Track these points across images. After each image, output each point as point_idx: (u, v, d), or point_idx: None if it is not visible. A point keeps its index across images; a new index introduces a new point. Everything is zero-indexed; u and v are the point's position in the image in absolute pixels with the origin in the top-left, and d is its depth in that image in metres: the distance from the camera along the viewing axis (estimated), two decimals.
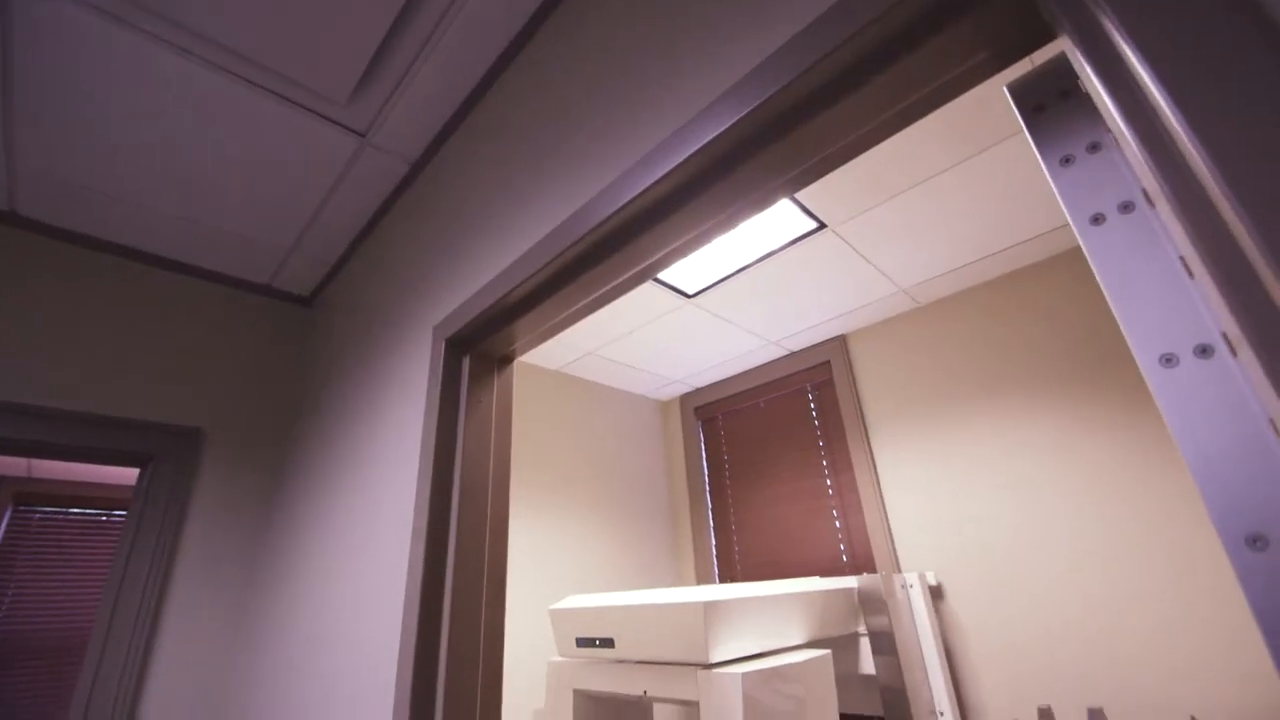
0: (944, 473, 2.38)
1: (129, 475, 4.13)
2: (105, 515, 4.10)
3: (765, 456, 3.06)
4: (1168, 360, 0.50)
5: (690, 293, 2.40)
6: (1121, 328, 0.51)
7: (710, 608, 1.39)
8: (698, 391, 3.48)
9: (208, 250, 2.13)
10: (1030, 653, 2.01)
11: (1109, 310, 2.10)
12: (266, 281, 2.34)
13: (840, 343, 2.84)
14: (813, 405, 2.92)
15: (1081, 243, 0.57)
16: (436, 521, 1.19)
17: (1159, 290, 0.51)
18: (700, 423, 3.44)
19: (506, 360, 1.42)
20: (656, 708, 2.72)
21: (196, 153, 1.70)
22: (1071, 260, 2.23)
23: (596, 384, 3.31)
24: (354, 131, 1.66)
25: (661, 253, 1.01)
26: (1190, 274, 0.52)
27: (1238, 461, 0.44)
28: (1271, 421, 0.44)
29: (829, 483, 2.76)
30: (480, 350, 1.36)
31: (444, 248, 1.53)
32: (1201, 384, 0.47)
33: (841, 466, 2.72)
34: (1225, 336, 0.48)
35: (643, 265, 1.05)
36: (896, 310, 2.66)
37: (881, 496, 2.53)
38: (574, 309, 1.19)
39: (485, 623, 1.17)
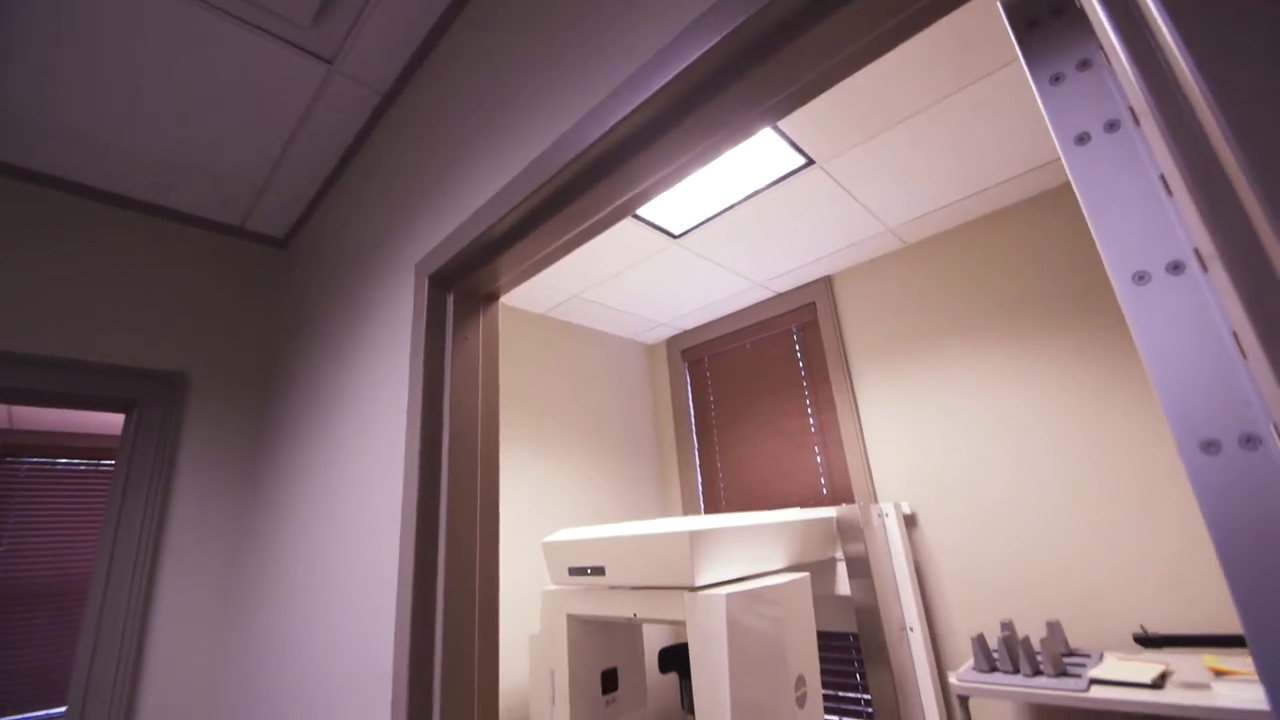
0: (922, 408, 2.45)
1: (115, 425, 4.11)
2: (94, 465, 4.11)
3: (750, 396, 3.11)
4: (1140, 278, 0.51)
5: (676, 233, 2.37)
6: (1099, 247, 0.52)
7: (696, 536, 1.45)
8: (684, 334, 3.50)
9: (175, 190, 2.04)
10: (995, 573, 2.14)
11: (1091, 248, 2.12)
12: (238, 223, 2.26)
13: (826, 283, 2.85)
14: (797, 346, 2.95)
15: (1065, 162, 0.57)
16: (428, 458, 1.21)
17: (1137, 208, 0.52)
18: (687, 364, 3.47)
19: (492, 298, 1.41)
20: (645, 628, 2.87)
21: (154, 82, 1.60)
22: (1056, 198, 2.23)
23: (583, 327, 3.31)
24: (320, 58, 1.57)
25: (646, 183, 0.99)
26: (1169, 192, 0.52)
27: (1198, 370, 0.46)
28: (1234, 332, 0.45)
29: (811, 421, 2.83)
30: (464, 287, 1.34)
31: (423, 182, 1.48)
32: (1170, 298, 0.48)
33: (824, 405, 2.79)
34: (1197, 252, 0.49)
35: (627, 196, 1.03)
36: (882, 250, 2.65)
37: (862, 432, 2.60)
38: (558, 243, 1.17)
39: (480, 555, 1.21)
